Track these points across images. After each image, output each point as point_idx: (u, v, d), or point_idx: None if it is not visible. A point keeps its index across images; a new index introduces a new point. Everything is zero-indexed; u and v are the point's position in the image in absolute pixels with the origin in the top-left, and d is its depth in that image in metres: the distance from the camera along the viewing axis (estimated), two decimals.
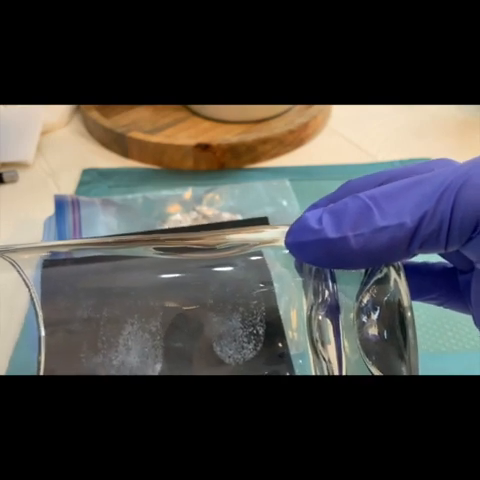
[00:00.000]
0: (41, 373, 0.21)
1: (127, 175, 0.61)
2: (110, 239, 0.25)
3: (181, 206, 0.53)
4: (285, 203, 0.54)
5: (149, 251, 0.24)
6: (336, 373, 0.22)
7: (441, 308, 0.25)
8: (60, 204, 0.50)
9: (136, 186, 0.59)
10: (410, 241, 0.20)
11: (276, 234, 0.23)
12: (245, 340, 0.23)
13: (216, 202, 0.54)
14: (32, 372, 0.21)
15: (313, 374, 0.23)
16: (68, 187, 0.59)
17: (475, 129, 0.65)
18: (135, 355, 0.22)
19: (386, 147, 0.64)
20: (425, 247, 0.20)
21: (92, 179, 0.60)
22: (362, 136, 0.66)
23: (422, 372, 0.20)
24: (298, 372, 0.23)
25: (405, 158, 0.60)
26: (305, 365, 0.23)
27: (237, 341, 0.22)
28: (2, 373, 0.22)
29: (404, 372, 0.21)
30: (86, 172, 0.61)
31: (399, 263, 0.22)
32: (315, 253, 0.21)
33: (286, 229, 0.22)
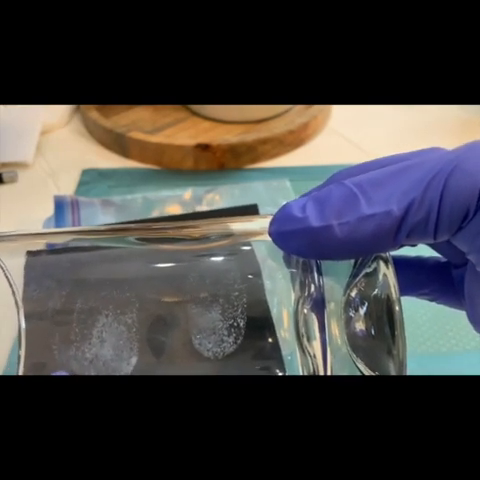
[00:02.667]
0: (21, 367, 0.21)
1: (127, 175, 0.61)
2: (89, 228, 0.24)
3: (181, 206, 0.53)
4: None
5: (130, 241, 0.23)
6: (321, 369, 0.21)
7: (441, 307, 0.25)
8: (60, 205, 0.50)
9: (136, 186, 0.59)
10: (397, 230, 0.19)
11: (264, 224, 0.22)
12: (225, 333, 0.22)
13: (216, 202, 0.54)
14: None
15: (300, 369, 0.22)
16: (68, 187, 0.59)
17: (477, 129, 0.65)
18: (109, 348, 0.21)
19: (386, 147, 0.63)
20: (413, 236, 0.19)
21: (92, 179, 0.60)
22: (362, 136, 0.66)
23: (422, 372, 0.20)
24: (287, 369, 0.22)
25: None
26: (293, 361, 0.22)
27: (216, 334, 0.22)
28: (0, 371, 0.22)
29: (392, 368, 0.20)
30: (86, 172, 0.61)
31: (388, 256, 0.21)
32: (299, 243, 0.20)
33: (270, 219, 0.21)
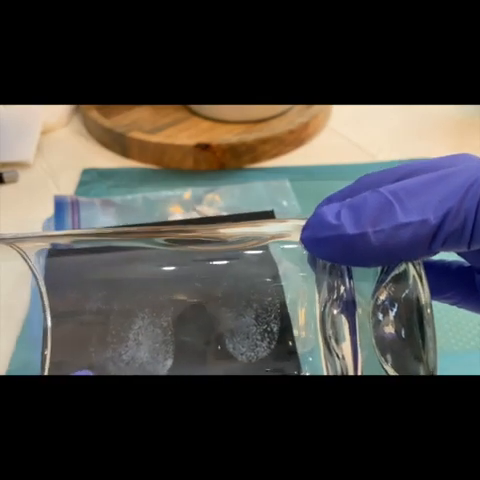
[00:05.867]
0: (46, 368, 0.21)
1: (127, 175, 0.61)
2: (119, 230, 0.24)
3: (181, 206, 0.53)
4: (285, 203, 0.53)
5: (159, 242, 0.23)
6: (351, 370, 0.21)
7: (441, 308, 0.25)
8: (60, 205, 0.50)
9: (136, 186, 0.59)
10: (432, 239, 0.19)
11: (287, 228, 0.23)
12: (258, 337, 0.22)
13: (216, 202, 0.54)
14: (34, 369, 0.21)
15: (324, 371, 0.22)
16: (68, 187, 0.59)
17: (475, 129, 0.65)
18: (145, 350, 0.22)
19: (386, 147, 0.64)
20: (447, 245, 0.19)
21: (92, 179, 0.60)
22: (362, 136, 0.65)
23: None
24: (308, 369, 0.23)
25: (405, 158, 0.60)
26: (315, 362, 0.22)
27: (250, 338, 0.22)
28: (2, 372, 0.22)
29: (421, 373, 0.20)
30: (86, 172, 0.61)
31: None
32: (332, 249, 0.20)
33: (297, 223, 0.21)
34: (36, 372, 0.22)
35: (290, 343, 0.23)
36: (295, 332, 0.23)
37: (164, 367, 0.22)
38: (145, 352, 0.22)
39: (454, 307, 0.25)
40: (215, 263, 0.24)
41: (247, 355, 0.22)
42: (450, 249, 0.20)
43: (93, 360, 0.21)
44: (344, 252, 0.20)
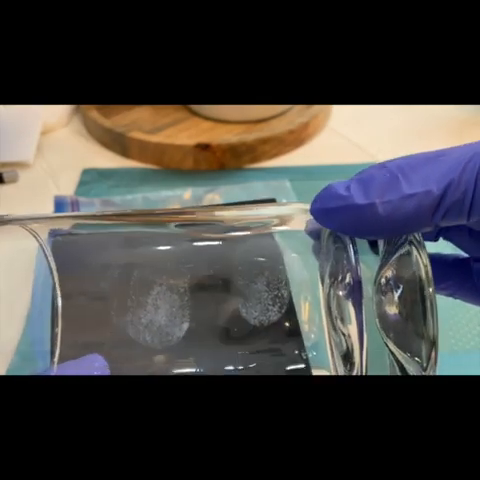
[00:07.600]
0: (58, 345, 0.22)
1: (127, 175, 0.61)
2: (130, 212, 0.26)
3: (181, 206, 0.53)
4: None
5: (169, 226, 0.25)
6: (357, 347, 0.22)
7: (441, 308, 0.25)
8: (60, 205, 0.50)
9: (136, 186, 0.59)
10: (435, 209, 0.20)
11: (291, 210, 0.24)
12: (270, 302, 0.24)
13: (216, 202, 0.54)
14: (35, 364, 0.22)
15: (328, 349, 0.23)
16: (68, 187, 0.59)
17: (475, 129, 0.65)
18: (163, 314, 0.23)
19: (386, 147, 0.64)
20: (449, 216, 0.20)
21: (92, 179, 0.60)
22: (362, 136, 0.65)
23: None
24: (311, 348, 0.24)
25: None
26: (320, 342, 0.24)
27: (262, 303, 0.24)
28: (8, 360, 0.22)
29: (423, 350, 0.21)
30: (86, 172, 0.61)
31: (421, 239, 0.22)
32: (341, 219, 0.21)
33: (301, 206, 0.23)
34: (38, 367, 0.22)
35: (290, 323, 0.24)
36: (301, 316, 0.24)
37: (181, 330, 0.23)
38: (162, 316, 0.23)
39: (454, 307, 0.25)
40: (225, 243, 0.26)
41: (259, 319, 0.24)
42: (451, 221, 0.21)
43: (114, 324, 0.23)
44: (354, 222, 0.21)
